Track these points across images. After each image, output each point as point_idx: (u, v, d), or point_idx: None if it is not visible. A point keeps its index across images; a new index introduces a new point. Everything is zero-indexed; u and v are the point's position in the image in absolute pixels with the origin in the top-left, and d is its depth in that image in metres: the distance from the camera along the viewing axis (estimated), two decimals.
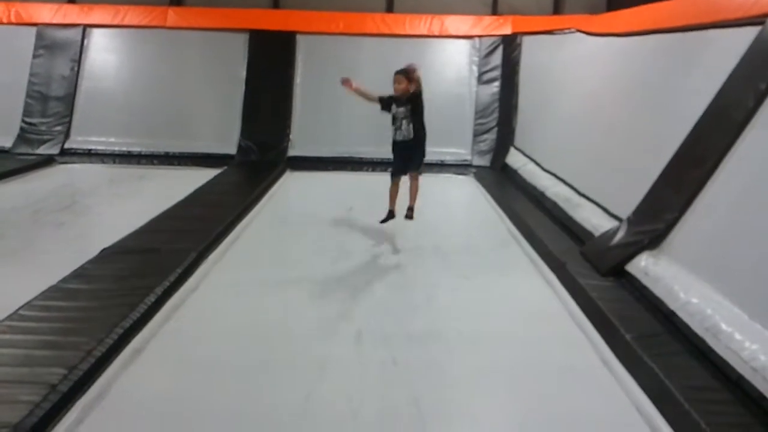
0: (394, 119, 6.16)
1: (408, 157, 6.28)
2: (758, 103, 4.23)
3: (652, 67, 6.16)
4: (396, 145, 6.27)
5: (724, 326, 3.55)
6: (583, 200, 6.43)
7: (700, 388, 3.32)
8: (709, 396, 3.25)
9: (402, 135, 6.14)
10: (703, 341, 3.66)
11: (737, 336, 3.43)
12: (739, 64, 4.63)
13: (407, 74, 6.04)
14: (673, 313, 4.05)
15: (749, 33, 4.66)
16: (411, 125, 6.08)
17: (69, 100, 10.64)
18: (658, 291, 4.32)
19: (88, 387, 3.37)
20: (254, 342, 4.14)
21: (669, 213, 4.68)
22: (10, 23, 10.92)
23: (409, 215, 6.37)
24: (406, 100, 6.06)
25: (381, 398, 3.50)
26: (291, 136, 10.69)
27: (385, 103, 6.17)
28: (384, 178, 9.61)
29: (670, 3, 6.25)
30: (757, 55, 4.50)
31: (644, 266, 4.64)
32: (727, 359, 3.41)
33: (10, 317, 3.96)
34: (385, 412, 3.37)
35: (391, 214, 6.43)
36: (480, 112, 10.83)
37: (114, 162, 10.13)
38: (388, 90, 6.15)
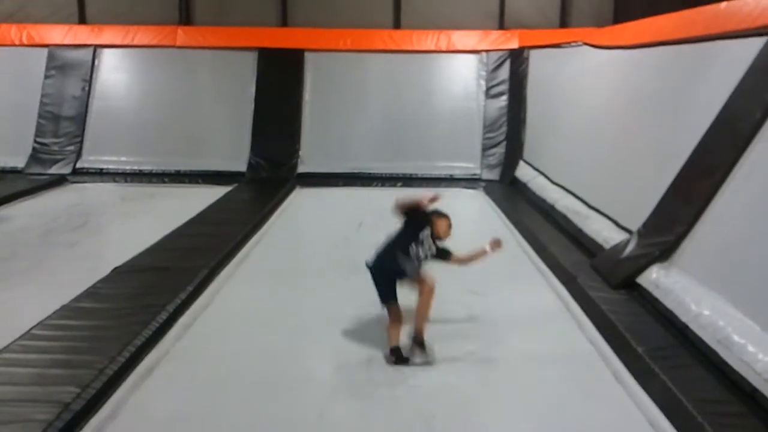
0: (417, 246, 4.31)
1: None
2: (766, 114, 4.22)
3: (659, 79, 6.15)
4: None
5: (736, 338, 3.53)
6: (592, 213, 6.42)
7: (713, 401, 3.30)
8: (723, 409, 3.23)
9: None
10: (715, 353, 3.64)
11: (750, 348, 3.41)
12: (746, 75, 4.62)
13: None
14: (685, 326, 4.03)
15: (756, 44, 4.66)
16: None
17: (80, 120, 10.78)
18: (669, 303, 4.31)
19: (101, 405, 3.38)
20: (267, 360, 4.14)
21: (679, 225, 4.67)
22: (21, 45, 11.10)
23: None
24: (437, 252, 4.52)
25: (394, 416, 3.50)
26: (300, 153, 10.75)
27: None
28: (394, 193, 9.61)
29: (676, 15, 6.25)
30: (764, 65, 4.50)
31: (655, 278, 4.62)
32: (740, 371, 3.39)
33: (23, 337, 3.99)
34: (398, 430, 3.37)
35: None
36: (488, 127, 10.86)
37: (125, 181, 10.24)
38: None
